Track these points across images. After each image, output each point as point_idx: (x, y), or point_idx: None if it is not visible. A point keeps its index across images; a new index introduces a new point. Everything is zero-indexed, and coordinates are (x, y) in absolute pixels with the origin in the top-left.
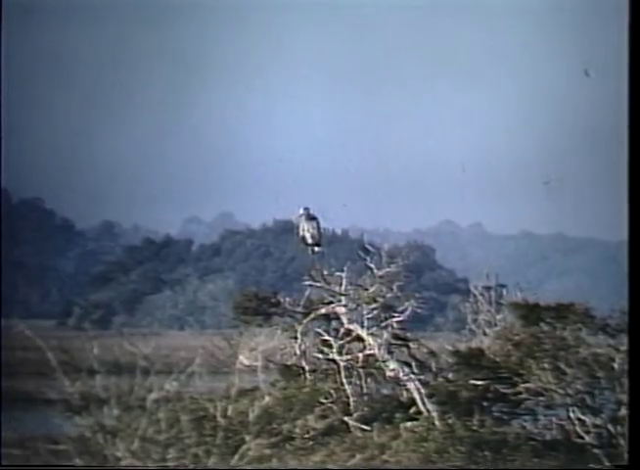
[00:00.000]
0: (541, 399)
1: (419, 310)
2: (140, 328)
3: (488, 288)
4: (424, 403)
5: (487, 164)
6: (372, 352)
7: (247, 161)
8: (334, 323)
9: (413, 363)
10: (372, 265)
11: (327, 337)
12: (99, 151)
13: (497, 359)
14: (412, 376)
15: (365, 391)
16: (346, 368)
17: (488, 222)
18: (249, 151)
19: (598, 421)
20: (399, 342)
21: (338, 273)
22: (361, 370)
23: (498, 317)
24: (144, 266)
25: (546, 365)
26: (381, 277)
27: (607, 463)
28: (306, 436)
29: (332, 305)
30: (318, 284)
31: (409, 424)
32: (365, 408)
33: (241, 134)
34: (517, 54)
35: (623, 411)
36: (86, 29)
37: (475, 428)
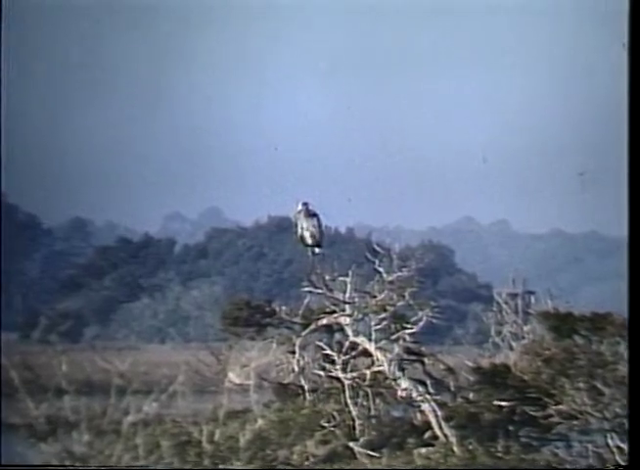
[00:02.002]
0: (575, 423)
1: (435, 321)
2: (115, 341)
3: (514, 295)
4: (440, 427)
5: (513, 153)
6: (381, 368)
7: (237, 148)
8: (337, 336)
9: (428, 382)
10: (381, 269)
11: (329, 351)
12: (68, 139)
13: (525, 377)
14: (427, 396)
15: (373, 413)
16: (352, 387)
17: (514, 219)
18: (239, 137)
19: None
20: (412, 357)
21: (341, 278)
22: (368, 389)
23: (526, 329)
24: (119, 270)
25: (581, 384)
26: (391, 283)
27: None
28: (305, 463)
29: (335, 315)
30: (319, 290)
31: (424, 450)
32: (373, 433)
33: (230, 118)
34: (548, 30)
35: None
36: (57, 17)
37: (499, 455)
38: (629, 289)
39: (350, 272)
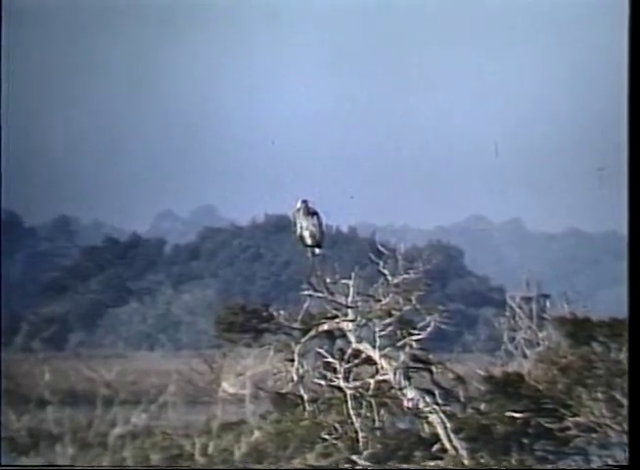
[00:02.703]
0: (594, 435)
1: (443, 326)
2: (101, 349)
3: (528, 299)
4: (450, 440)
5: (527, 146)
6: (386, 377)
7: (231, 143)
8: (339, 342)
9: (436, 391)
10: (386, 271)
11: (331, 359)
12: (52, 133)
13: (540, 387)
14: (435, 407)
15: (377, 424)
16: (354, 397)
17: (528, 218)
18: (234, 131)
19: None
20: (419, 365)
21: (344, 281)
22: (372, 400)
23: (541, 335)
24: (106, 272)
25: (599, 395)
26: (396, 286)
27: None
28: None
29: (336, 321)
30: (319, 294)
31: (432, 464)
32: (377, 445)
33: (224, 111)
34: (567, 19)
35: None
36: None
37: (513, 469)
38: (629, 289)
39: (353, 274)
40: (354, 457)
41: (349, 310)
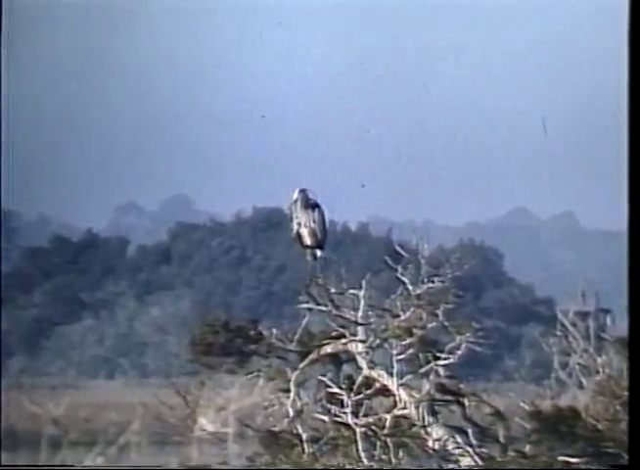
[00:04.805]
0: None
1: (478, 349)
2: (48, 377)
3: (585, 314)
4: None
5: (581, 124)
6: (405, 412)
7: (211, 117)
8: (346, 368)
9: (469, 430)
10: (405, 279)
11: (336, 389)
12: None
13: (599, 426)
14: (468, 448)
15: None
16: (366, 436)
17: (583, 212)
18: (214, 102)
19: None
20: (448, 397)
21: (352, 291)
22: (389, 439)
23: (600, 361)
24: (54, 280)
25: None
26: (419, 297)
27: None
28: None
29: (343, 341)
30: (322, 308)
31: None
32: None
33: (202, 77)
34: None
35: None
36: None
37: None
38: (629, 289)
39: (364, 283)
40: None
41: (359, 328)
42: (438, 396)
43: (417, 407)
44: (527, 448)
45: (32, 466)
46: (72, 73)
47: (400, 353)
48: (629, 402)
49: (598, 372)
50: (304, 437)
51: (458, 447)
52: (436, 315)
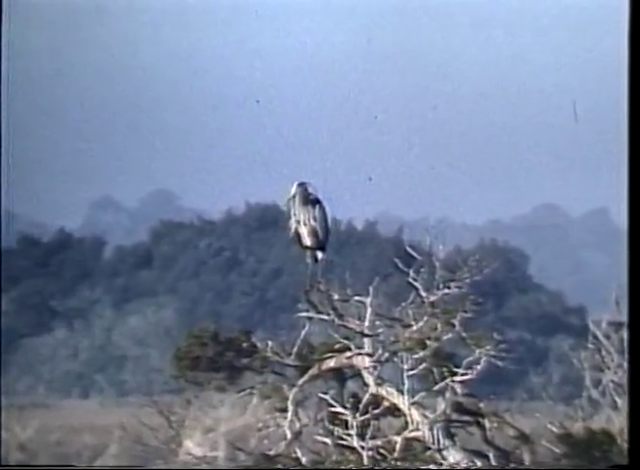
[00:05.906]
0: None
1: (500, 364)
2: (14, 396)
3: (619, 325)
4: None
5: (614, 106)
6: (418, 434)
7: (199, 101)
8: (351, 385)
9: (491, 454)
10: (417, 284)
11: (340, 408)
12: None
13: None
14: None
15: None
16: (374, 461)
17: (617, 209)
18: (202, 84)
19: None
20: (466, 418)
21: (358, 298)
22: (399, 464)
23: None
24: (21, 286)
25: None
26: (433, 305)
27: None
28: None
29: (348, 355)
30: (324, 316)
31: None
32: None
33: (189, 55)
34: None
35: None
36: None
37: None
38: (629, 289)
39: (371, 289)
40: None
41: (366, 340)
42: (455, 416)
43: (431, 429)
44: None
45: (32, 466)
46: (45, 62)
47: (412, 368)
48: (629, 402)
49: None
50: (304, 461)
51: None
52: (453, 325)
